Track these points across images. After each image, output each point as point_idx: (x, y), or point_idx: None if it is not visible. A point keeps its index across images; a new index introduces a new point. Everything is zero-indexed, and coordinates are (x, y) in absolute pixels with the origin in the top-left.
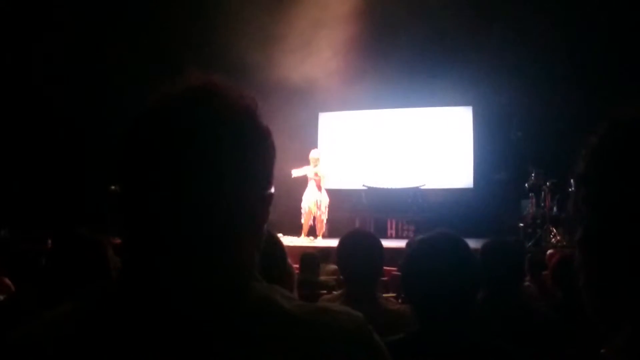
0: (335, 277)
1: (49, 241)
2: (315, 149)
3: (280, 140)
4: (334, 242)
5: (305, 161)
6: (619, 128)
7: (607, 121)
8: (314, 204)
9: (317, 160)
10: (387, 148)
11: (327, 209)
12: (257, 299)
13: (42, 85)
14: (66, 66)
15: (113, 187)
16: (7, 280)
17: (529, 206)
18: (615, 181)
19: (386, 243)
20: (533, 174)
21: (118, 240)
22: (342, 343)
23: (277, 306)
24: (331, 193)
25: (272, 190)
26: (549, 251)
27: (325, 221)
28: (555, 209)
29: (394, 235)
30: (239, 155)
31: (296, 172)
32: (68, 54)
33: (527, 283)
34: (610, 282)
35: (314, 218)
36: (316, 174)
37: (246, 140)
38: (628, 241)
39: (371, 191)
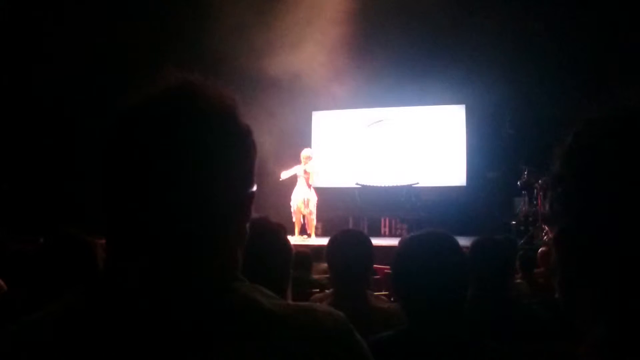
0: (327, 275)
1: (41, 241)
2: (308, 148)
3: (273, 140)
4: (327, 241)
5: (297, 161)
6: (592, 127)
7: (582, 119)
8: (301, 201)
9: (309, 158)
10: (381, 146)
11: (315, 206)
12: (238, 298)
13: (32, 85)
14: (56, 65)
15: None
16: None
17: (521, 204)
18: (589, 181)
19: (380, 241)
20: (525, 172)
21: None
22: (322, 342)
23: (258, 305)
24: (325, 191)
25: (255, 188)
26: (541, 249)
27: (315, 219)
28: (546, 206)
29: (387, 233)
30: (220, 155)
31: (285, 174)
32: (57, 52)
33: (518, 280)
34: (586, 281)
35: (304, 216)
36: (305, 171)
37: (227, 140)
38: (603, 240)
39: (365, 189)
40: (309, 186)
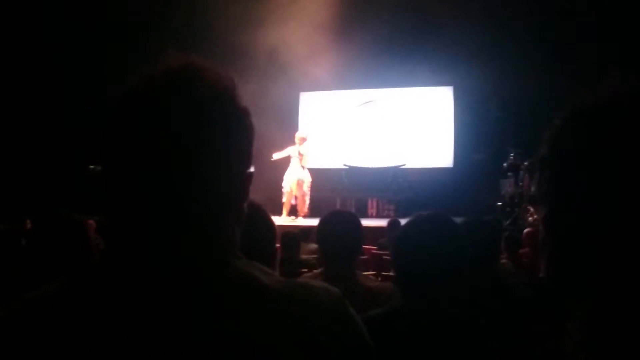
0: (316, 255)
1: (28, 222)
2: (302, 130)
3: (261, 121)
4: (315, 222)
5: (286, 141)
6: (581, 111)
7: (569, 104)
8: (295, 183)
9: (304, 139)
10: (368, 128)
11: (309, 188)
12: (237, 274)
13: (20, 66)
14: (45, 46)
15: (92, 167)
16: None
17: (507, 185)
18: (577, 163)
19: (367, 222)
20: (512, 154)
21: (92, 221)
22: (319, 317)
23: (257, 281)
24: (312, 172)
25: (252, 169)
26: (526, 230)
27: (307, 201)
28: (533, 188)
29: (374, 214)
30: (218, 136)
31: (277, 155)
32: (47, 32)
33: (503, 260)
34: (572, 259)
35: (296, 197)
36: (300, 153)
37: (225, 121)
38: (590, 220)
39: (352, 170)
40: (303, 167)
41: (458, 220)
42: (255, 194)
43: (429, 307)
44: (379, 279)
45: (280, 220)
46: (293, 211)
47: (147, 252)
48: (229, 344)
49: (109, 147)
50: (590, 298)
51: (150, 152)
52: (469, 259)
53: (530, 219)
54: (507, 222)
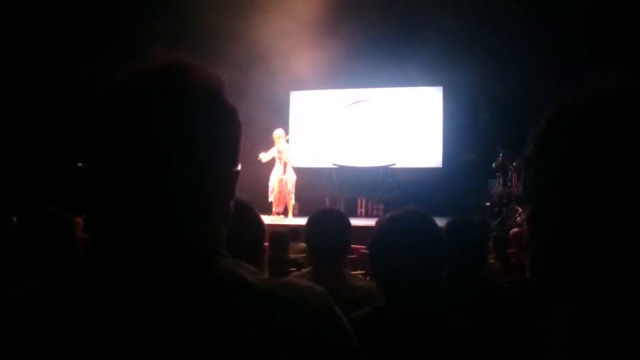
0: (304, 254)
1: (14, 219)
2: (279, 129)
3: (251, 119)
4: (304, 221)
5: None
6: (565, 112)
7: (554, 105)
8: (277, 181)
9: (279, 138)
10: (358, 127)
11: (294, 187)
12: (222, 273)
13: (6, 61)
14: (32, 42)
15: (81, 165)
16: None
17: (495, 186)
18: (561, 164)
19: (356, 221)
20: (500, 154)
21: (80, 219)
22: (304, 316)
23: (242, 280)
24: (302, 172)
25: (239, 167)
26: (513, 230)
27: (293, 199)
28: (520, 188)
29: (363, 214)
30: (206, 134)
31: (264, 157)
32: (34, 26)
33: (491, 260)
34: (556, 259)
35: (281, 196)
36: (279, 152)
37: (213, 119)
38: (572, 221)
39: (342, 170)
40: (286, 166)
41: (446, 220)
42: (245, 193)
43: (410, 306)
44: (368, 278)
45: (270, 219)
46: (283, 210)
47: (132, 251)
48: (214, 342)
49: (95, 144)
50: (575, 298)
51: (136, 149)
52: (449, 257)
53: (518, 219)
54: (496, 222)
